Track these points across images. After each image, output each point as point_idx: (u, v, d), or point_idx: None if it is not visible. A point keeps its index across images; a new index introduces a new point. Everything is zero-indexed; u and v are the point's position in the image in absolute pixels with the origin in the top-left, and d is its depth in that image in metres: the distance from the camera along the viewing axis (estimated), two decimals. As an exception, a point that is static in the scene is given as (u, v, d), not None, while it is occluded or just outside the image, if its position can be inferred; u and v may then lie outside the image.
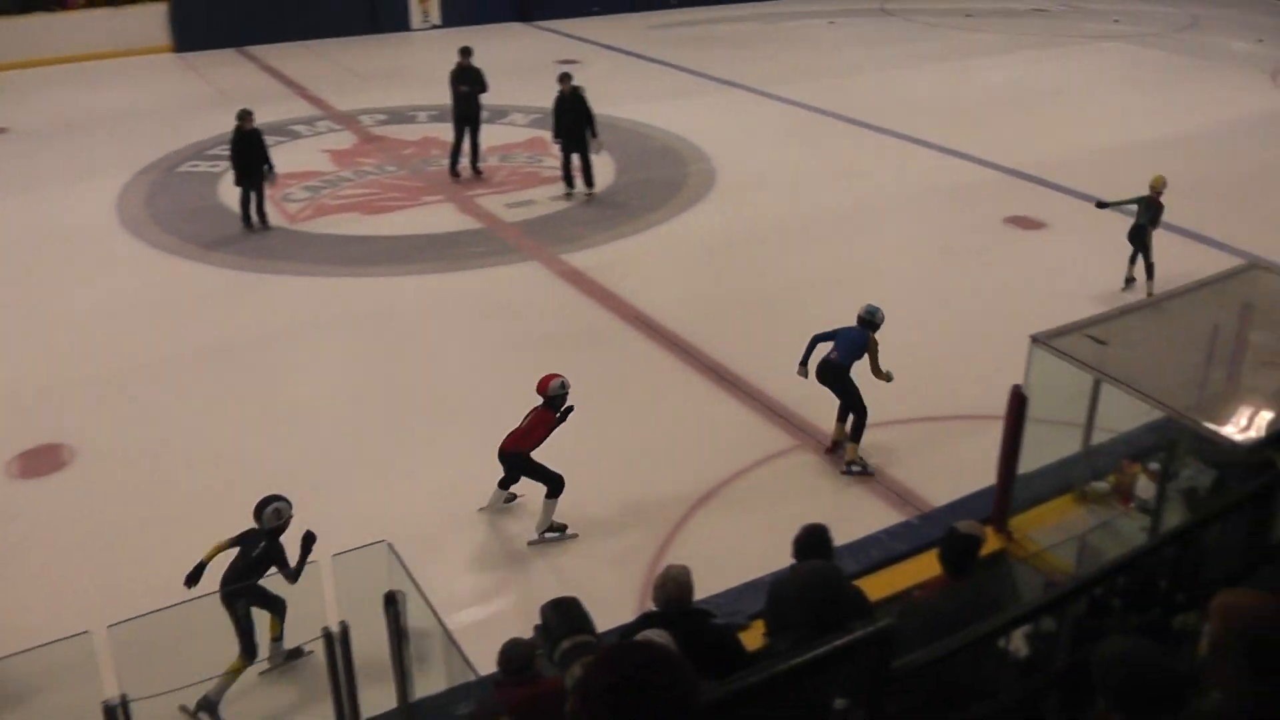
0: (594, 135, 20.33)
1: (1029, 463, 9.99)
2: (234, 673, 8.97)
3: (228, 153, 19.13)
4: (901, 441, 13.01)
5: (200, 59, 32.78)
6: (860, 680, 4.70)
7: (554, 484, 11.17)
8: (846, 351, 12.38)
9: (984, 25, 39.22)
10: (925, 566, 8.14)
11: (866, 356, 12.35)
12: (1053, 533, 9.74)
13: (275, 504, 9.19)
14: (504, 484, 11.50)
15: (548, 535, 11.27)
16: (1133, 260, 16.84)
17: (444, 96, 22.08)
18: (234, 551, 9.16)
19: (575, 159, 20.59)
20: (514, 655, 6.74)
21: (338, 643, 7.86)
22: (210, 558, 9.11)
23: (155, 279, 17.52)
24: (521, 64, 29.63)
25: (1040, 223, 20.04)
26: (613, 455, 12.56)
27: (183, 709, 8.84)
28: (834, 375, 12.40)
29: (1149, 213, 16.70)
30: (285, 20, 34.53)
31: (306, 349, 15.35)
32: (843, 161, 23.50)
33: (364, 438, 12.93)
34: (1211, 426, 8.53)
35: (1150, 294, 15.83)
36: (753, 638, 7.73)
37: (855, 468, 12.36)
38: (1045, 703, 5.94)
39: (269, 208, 19.36)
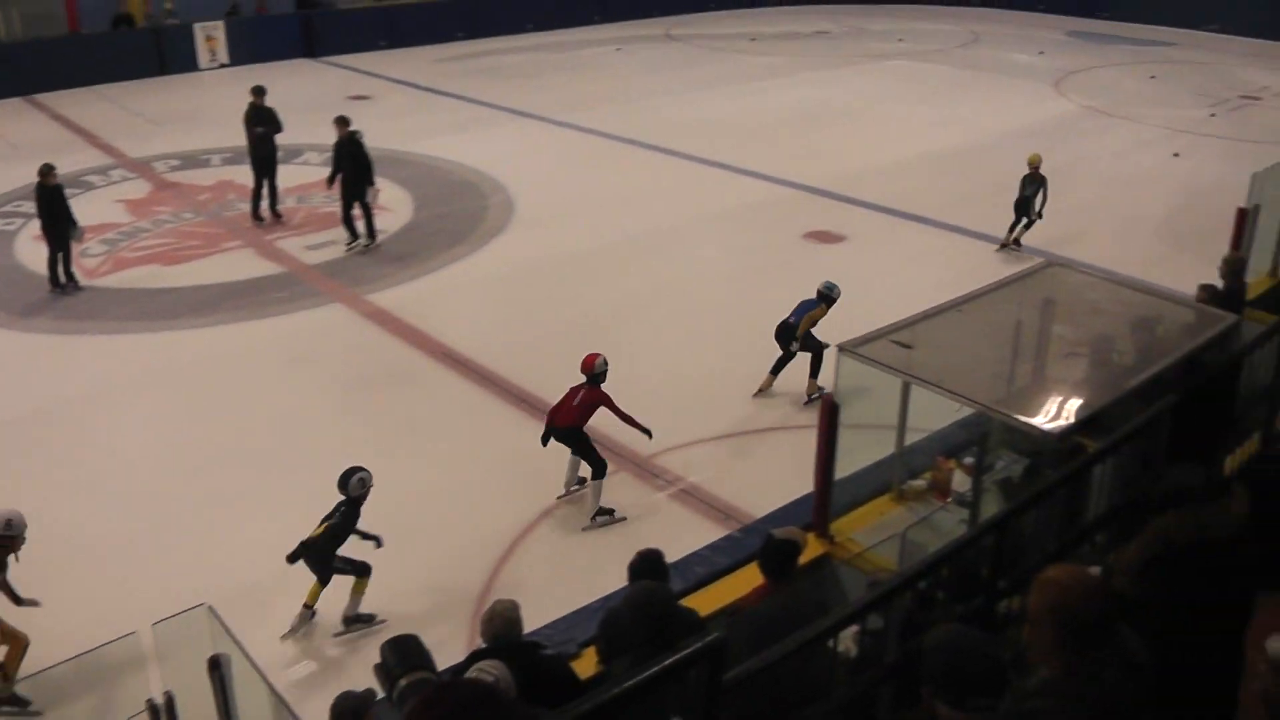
0: (370, 184, 19.79)
1: (846, 467, 10.08)
2: (361, 590, 10.35)
3: (21, 210, 18.47)
4: (720, 457, 13.11)
5: (-14, 109, 31.70)
6: (694, 696, 4.67)
7: (599, 466, 11.99)
8: (798, 316, 14.30)
9: (769, 49, 39.81)
10: (751, 577, 8.14)
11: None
12: (874, 533, 9.84)
13: (359, 474, 10.30)
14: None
15: (599, 520, 11.89)
16: (1013, 227, 19.34)
17: (238, 138, 21.66)
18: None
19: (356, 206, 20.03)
20: (345, 709, 6.56)
21: (164, 713, 7.60)
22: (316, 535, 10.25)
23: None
24: (312, 101, 29.12)
25: (840, 236, 20.37)
26: (431, 495, 12.35)
27: (345, 622, 10.36)
28: (784, 334, 14.30)
29: (1032, 185, 19.27)
30: (73, 66, 33.56)
31: (114, 411, 14.75)
32: (641, 186, 23.64)
33: (178, 497, 12.48)
34: (1021, 418, 8.74)
35: (1015, 242, 19.27)
36: (585, 666, 7.67)
37: (815, 396, 13.89)
38: (878, 699, 5.98)
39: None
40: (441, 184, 23.50)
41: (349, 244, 19.90)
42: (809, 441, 10.22)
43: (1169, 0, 44.30)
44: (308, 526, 10.34)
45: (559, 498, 12.31)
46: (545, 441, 12.10)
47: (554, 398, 12.39)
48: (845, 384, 9.73)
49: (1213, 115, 29.73)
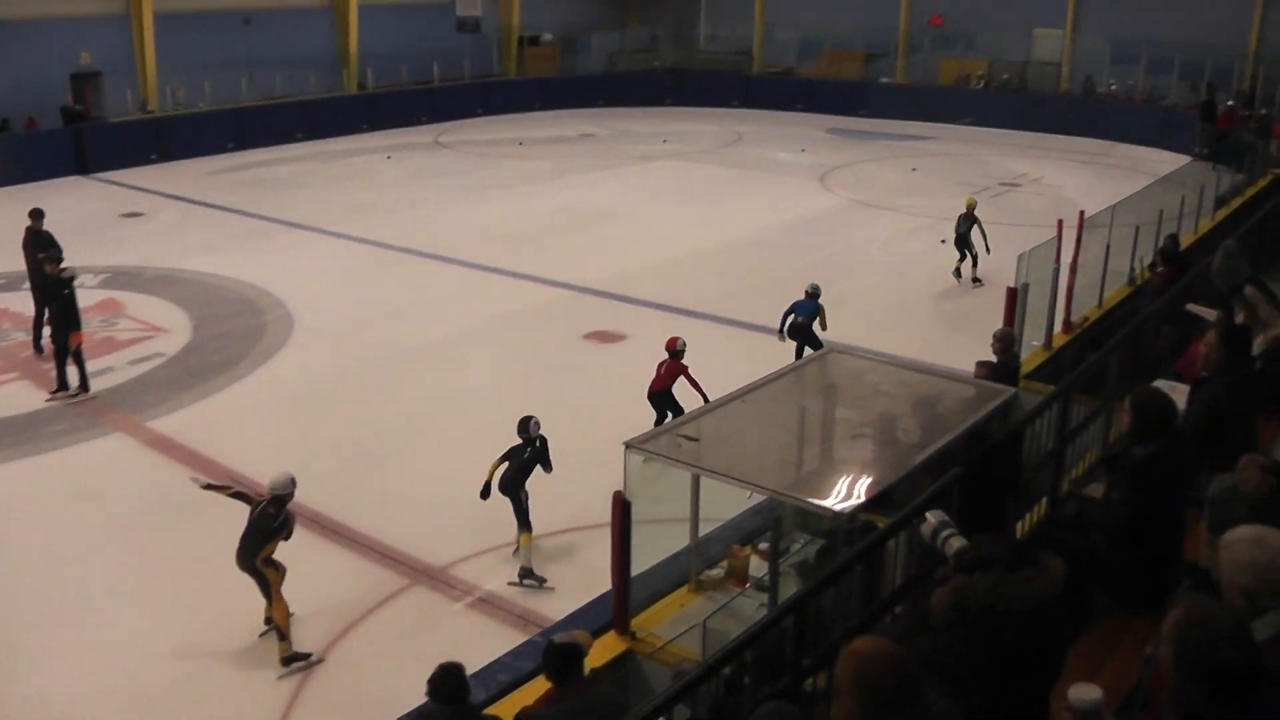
0: (76, 329, 17.96)
1: (643, 562, 10.10)
2: (527, 542, 12.63)
3: None
4: (506, 566, 12.98)
5: None
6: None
7: (678, 411, 14.91)
8: (808, 315, 17.96)
9: (536, 153, 40.18)
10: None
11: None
12: (676, 625, 9.82)
13: (534, 419, 13.11)
14: (658, 423, 14.72)
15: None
16: (958, 264, 23.09)
17: (14, 263, 20.96)
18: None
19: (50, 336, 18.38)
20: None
21: None
22: (492, 475, 12.89)
23: None
24: (86, 221, 28.28)
25: (620, 335, 20.58)
26: (219, 629, 11.93)
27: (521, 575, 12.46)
28: (800, 333, 17.90)
29: (967, 223, 23.15)
30: None
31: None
32: (419, 294, 23.50)
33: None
34: (811, 500, 8.90)
35: (974, 280, 22.96)
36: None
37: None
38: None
39: None
40: (218, 302, 22.94)
41: (51, 393, 18.33)
42: (604, 540, 10.19)
43: (924, 97, 46.48)
44: (89, 675, 9.92)
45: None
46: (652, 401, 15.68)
47: (346, 516, 12.23)
48: (635, 480, 9.73)
49: (942, 241, 30.71)
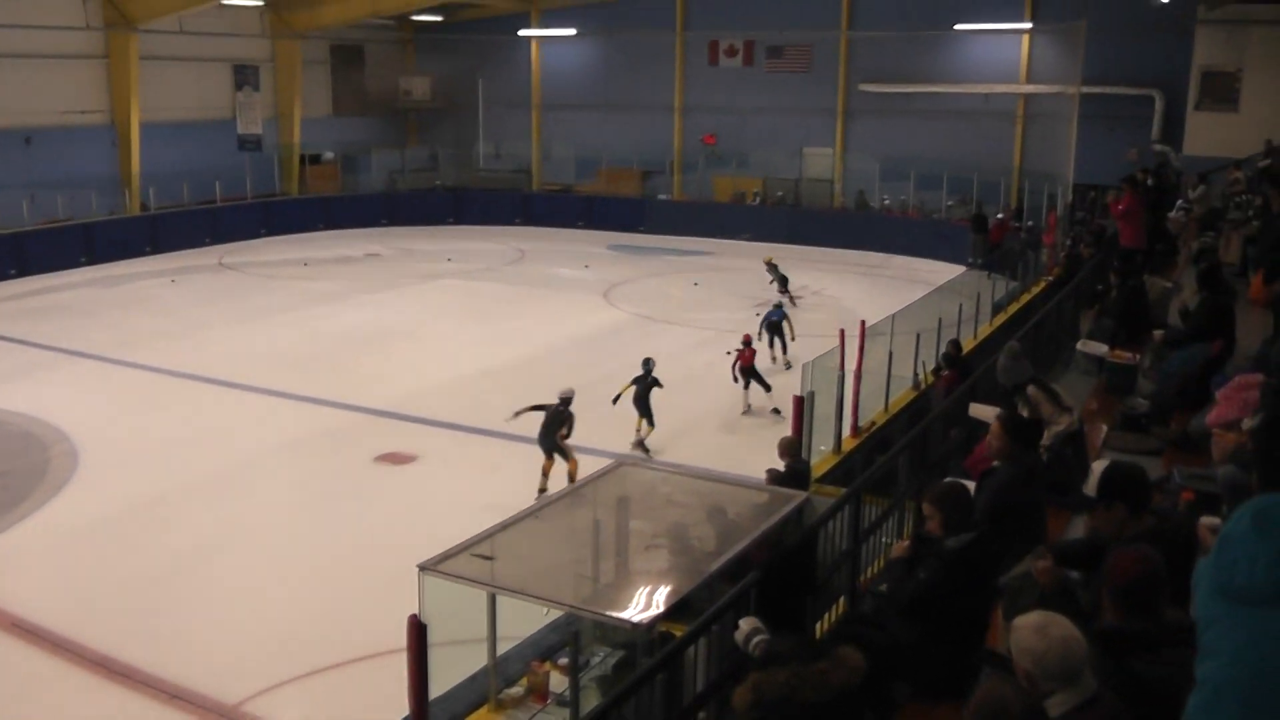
0: None
1: (442, 684, 9.97)
2: (648, 432, 20.11)
3: None
4: (314, 692, 12.70)
5: None
6: None
7: (766, 385, 22.91)
8: (777, 312, 26.63)
9: (321, 274, 39.79)
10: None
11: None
12: (477, 746, 9.70)
13: (651, 359, 20.61)
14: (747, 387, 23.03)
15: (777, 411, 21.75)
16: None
17: None
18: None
19: None
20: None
21: None
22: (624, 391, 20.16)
23: None
24: None
25: (411, 456, 20.39)
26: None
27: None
28: (772, 326, 26.06)
29: (774, 271, 31.92)
30: None
31: None
32: (207, 421, 22.88)
33: None
34: (609, 612, 8.91)
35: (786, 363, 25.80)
36: None
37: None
38: None
39: None
40: (-1, 438, 22.11)
41: None
42: (401, 664, 10.02)
43: (702, 213, 47.44)
44: None
45: (743, 414, 22.81)
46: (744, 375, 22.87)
47: (135, 655, 11.89)
48: (431, 603, 9.62)
49: (756, 314, 31.47)
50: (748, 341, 23.12)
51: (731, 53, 49.53)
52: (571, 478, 17.40)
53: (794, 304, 30.63)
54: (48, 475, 19.89)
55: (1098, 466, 6.91)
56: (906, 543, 7.77)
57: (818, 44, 47.59)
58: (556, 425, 18.02)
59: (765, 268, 32.63)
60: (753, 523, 10.46)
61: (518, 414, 18.31)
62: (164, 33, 43.95)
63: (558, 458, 18.09)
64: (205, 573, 15.86)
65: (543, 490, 17.63)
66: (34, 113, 40.73)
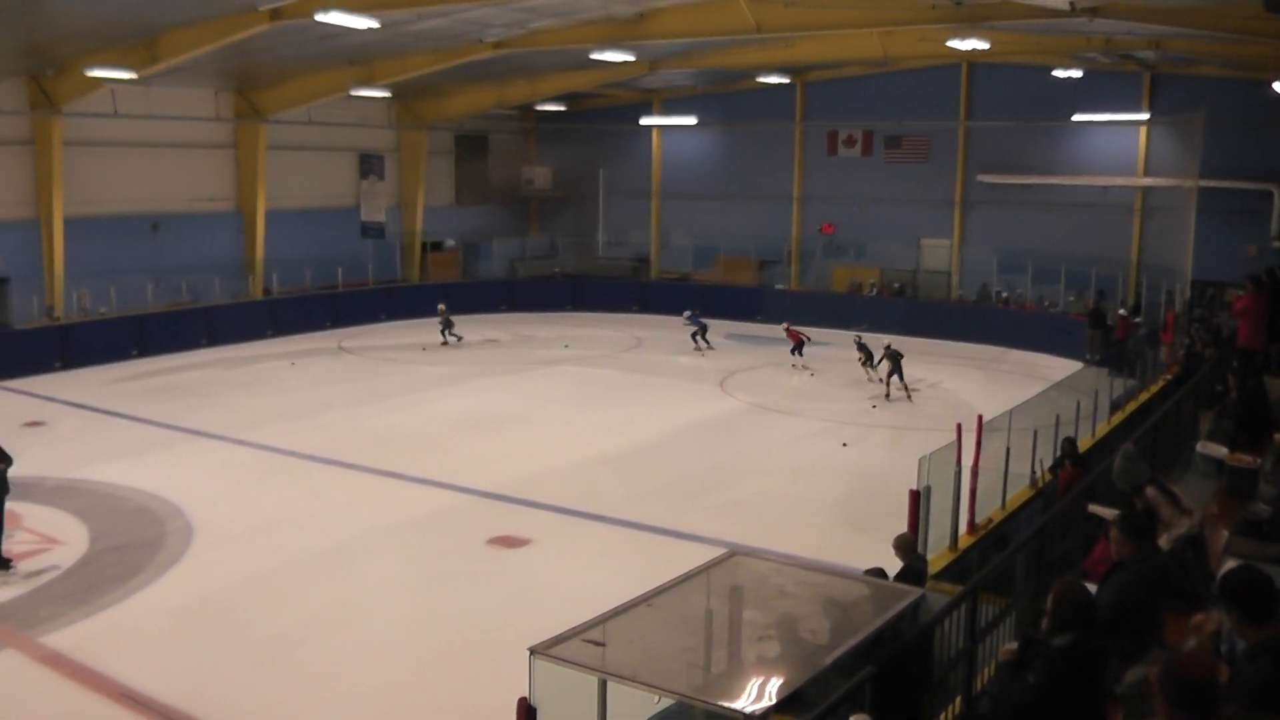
0: None
1: (554, 770, 9.92)
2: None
3: None
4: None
5: None
6: None
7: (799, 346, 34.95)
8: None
9: (439, 358, 40.20)
10: None
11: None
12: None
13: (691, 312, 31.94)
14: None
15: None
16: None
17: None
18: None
19: None
20: None
21: None
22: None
23: None
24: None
25: (524, 539, 20.43)
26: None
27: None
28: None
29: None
30: None
31: None
32: (320, 501, 23.21)
33: None
34: (721, 702, 8.82)
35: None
36: None
37: None
38: None
39: None
40: (117, 512, 22.38)
41: None
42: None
43: (818, 303, 47.12)
44: None
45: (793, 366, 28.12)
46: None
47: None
48: (541, 686, 9.61)
49: (874, 407, 31.38)
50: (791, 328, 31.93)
51: (850, 143, 49.66)
52: None
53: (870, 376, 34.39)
54: (162, 550, 20.25)
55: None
56: (1014, 645, 7.66)
57: (936, 134, 47.56)
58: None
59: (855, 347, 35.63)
60: (867, 617, 10.36)
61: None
62: (292, 123, 45.03)
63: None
64: (313, 651, 16.00)
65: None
66: (162, 199, 42.01)
